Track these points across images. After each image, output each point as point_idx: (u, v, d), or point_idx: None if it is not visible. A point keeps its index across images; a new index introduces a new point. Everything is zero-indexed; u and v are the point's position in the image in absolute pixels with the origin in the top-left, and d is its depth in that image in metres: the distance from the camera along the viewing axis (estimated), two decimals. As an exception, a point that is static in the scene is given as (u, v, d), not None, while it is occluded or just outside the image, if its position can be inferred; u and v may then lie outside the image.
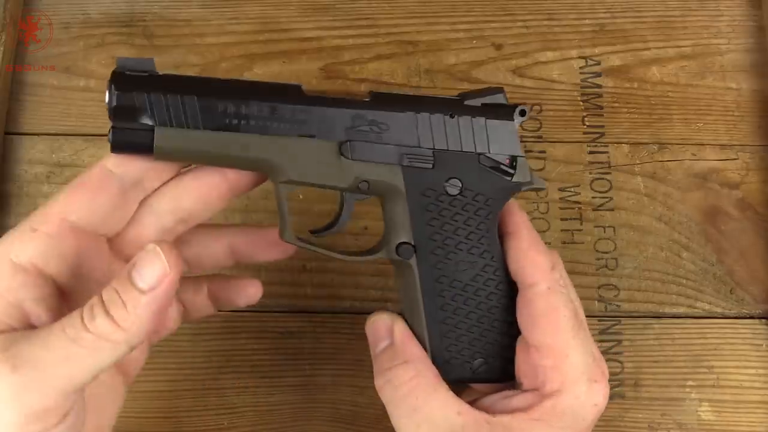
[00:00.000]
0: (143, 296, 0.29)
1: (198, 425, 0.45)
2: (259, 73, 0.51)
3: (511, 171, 0.36)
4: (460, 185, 0.36)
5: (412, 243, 0.35)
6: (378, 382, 0.34)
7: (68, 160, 0.49)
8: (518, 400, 0.34)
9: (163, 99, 0.33)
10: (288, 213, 0.35)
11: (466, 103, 0.37)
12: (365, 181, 0.35)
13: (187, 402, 0.45)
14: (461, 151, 0.36)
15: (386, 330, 0.35)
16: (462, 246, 0.35)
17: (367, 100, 0.36)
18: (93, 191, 0.33)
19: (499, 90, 0.37)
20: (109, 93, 0.32)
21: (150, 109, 0.33)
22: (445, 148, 0.36)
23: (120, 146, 0.33)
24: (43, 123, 0.50)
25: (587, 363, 0.34)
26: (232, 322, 0.46)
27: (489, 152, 0.36)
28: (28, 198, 0.49)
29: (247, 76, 0.51)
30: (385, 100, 0.36)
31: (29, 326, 0.31)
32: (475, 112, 0.36)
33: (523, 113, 0.36)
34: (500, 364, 0.36)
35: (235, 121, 0.33)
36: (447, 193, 0.36)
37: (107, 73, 0.50)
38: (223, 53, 0.51)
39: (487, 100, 0.37)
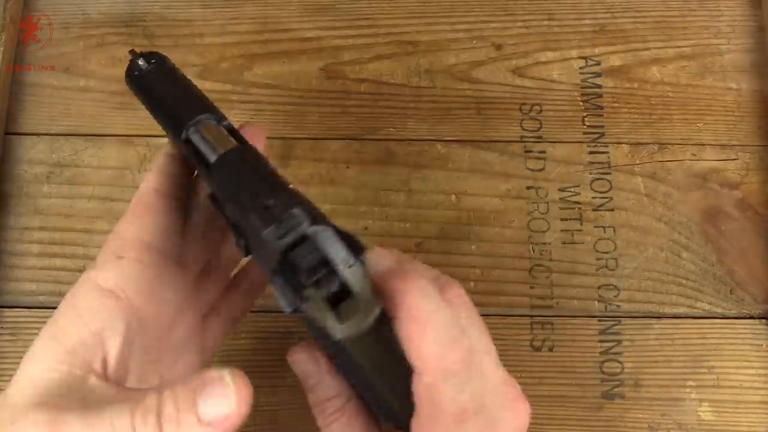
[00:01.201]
0: (200, 427, 0.28)
1: (198, 425, 0.45)
2: (259, 73, 0.51)
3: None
4: None
5: None
6: (313, 411, 0.35)
7: (68, 160, 0.49)
8: None
9: None
10: None
11: None
12: None
13: (187, 402, 0.45)
14: None
15: (315, 370, 0.35)
16: None
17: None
18: (154, 212, 0.33)
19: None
20: None
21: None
22: None
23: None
24: (43, 123, 0.50)
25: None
26: (232, 322, 0.46)
27: None
28: (28, 198, 0.49)
29: (247, 76, 0.51)
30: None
31: (100, 359, 0.30)
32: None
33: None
34: None
35: None
36: None
37: (107, 73, 0.50)
38: (223, 53, 0.51)
39: None
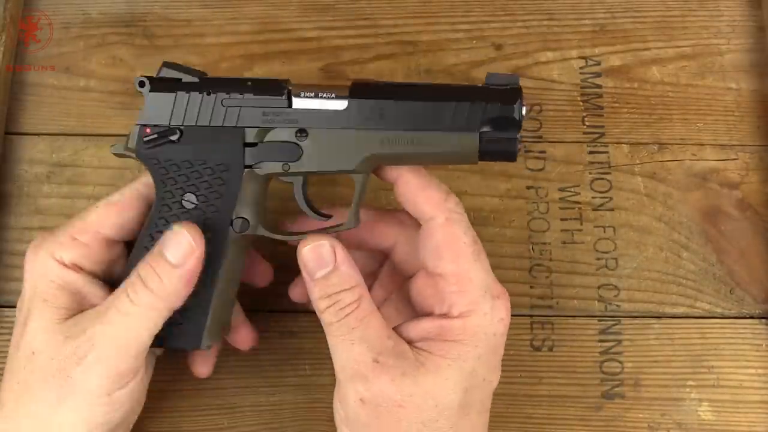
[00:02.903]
0: (175, 270, 0.36)
1: (198, 425, 0.45)
2: (259, 72, 0.51)
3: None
4: None
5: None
6: (321, 305, 0.36)
7: (68, 160, 0.49)
8: (430, 326, 0.37)
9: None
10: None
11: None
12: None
13: (187, 402, 0.45)
14: None
15: (329, 255, 0.36)
16: None
17: None
18: (123, 210, 0.39)
19: None
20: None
21: None
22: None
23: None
24: (43, 123, 0.50)
25: (488, 283, 0.37)
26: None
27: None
28: (28, 198, 0.49)
29: (247, 76, 0.51)
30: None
31: (91, 305, 0.37)
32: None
33: None
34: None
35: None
36: None
37: (107, 73, 0.50)
38: (223, 53, 0.51)
39: None
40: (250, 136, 0.38)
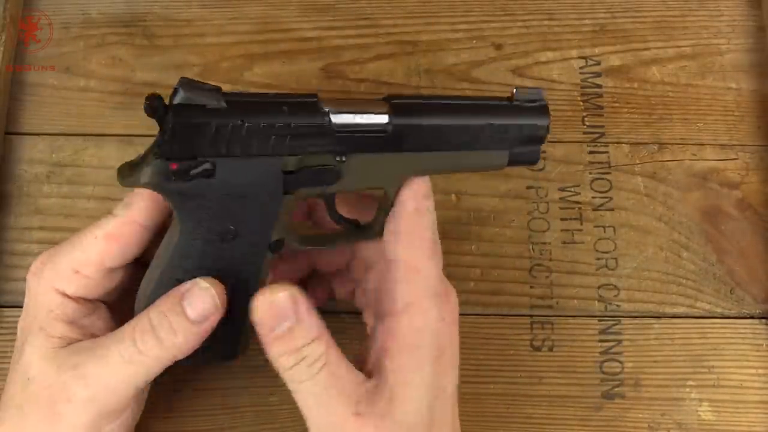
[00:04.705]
0: (193, 327, 0.34)
1: (198, 425, 0.45)
2: (259, 72, 0.51)
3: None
4: None
5: None
6: (285, 362, 0.33)
7: (68, 160, 0.49)
8: (379, 338, 0.35)
9: None
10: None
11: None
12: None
13: (187, 402, 0.45)
14: None
15: (291, 309, 0.33)
16: None
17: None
18: (126, 244, 0.37)
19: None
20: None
21: None
22: None
23: None
24: (43, 123, 0.50)
25: (434, 282, 0.36)
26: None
27: None
28: (28, 198, 0.49)
29: (247, 76, 0.51)
30: None
31: (90, 337, 0.36)
32: None
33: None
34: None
35: None
36: None
37: (107, 73, 0.50)
38: (223, 53, 0.51)
39: None
40: (288, 163, 0.35)
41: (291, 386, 0.34)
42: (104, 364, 0.34)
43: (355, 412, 0.33)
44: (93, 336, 0.36)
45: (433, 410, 0.34)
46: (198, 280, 0.35)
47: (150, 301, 0.36)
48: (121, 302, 0.39)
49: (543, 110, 0.38)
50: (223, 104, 0.34)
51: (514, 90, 0.38)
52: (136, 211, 0.37)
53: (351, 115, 0.36)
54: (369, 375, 0.35)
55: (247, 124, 0.34)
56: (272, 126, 0.34)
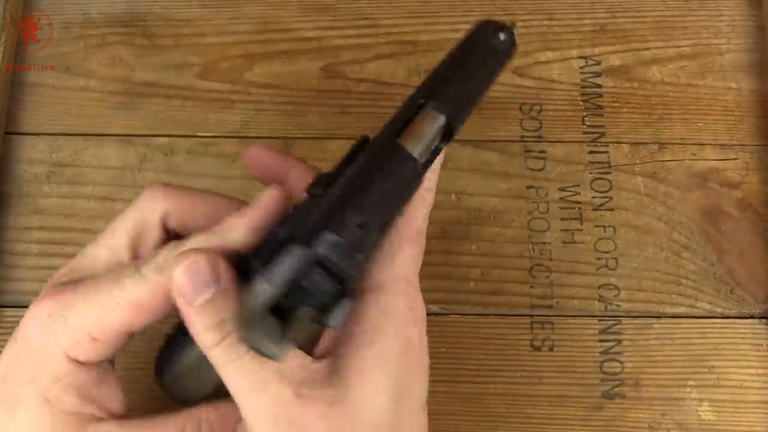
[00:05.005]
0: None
1: (198, 425, 0.45)
2: (259, 72, 0.51)
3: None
4: None
5: None
6: (210, 338, 0.28)
7: (68, 159, 0.49)
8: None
9: None
10: None
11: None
12: None
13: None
14: None
15: (210, 275, 0.28)
16: None
17: None
18: (155, 313, 0.30)
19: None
20: None
21: None
22: None
23: None
24: (43, 123, 0.50)
25: (411, 270, 0.31)
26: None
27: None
28: (28, 198, 0.49)
29: (247, 76, 0.51)
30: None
31: (106, 411, 0.31)
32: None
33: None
34: None
35: None
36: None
37: (107, 73, 0.50)
38: (223, 53, 0.51)
39: None
40: None
41: (220, 370, 0.29)
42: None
43: (297, 394, 0.28)
44: (109, 412, 0.31)
45: (400, 413, 0.29)
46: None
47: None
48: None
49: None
50: None
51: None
52: (169, 278, 0.29)
53: None
54: (316, 358, 0.30)
55: None
56: None
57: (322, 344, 0.31)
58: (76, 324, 0.30)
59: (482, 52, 0.33)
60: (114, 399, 0.32)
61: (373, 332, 0.29)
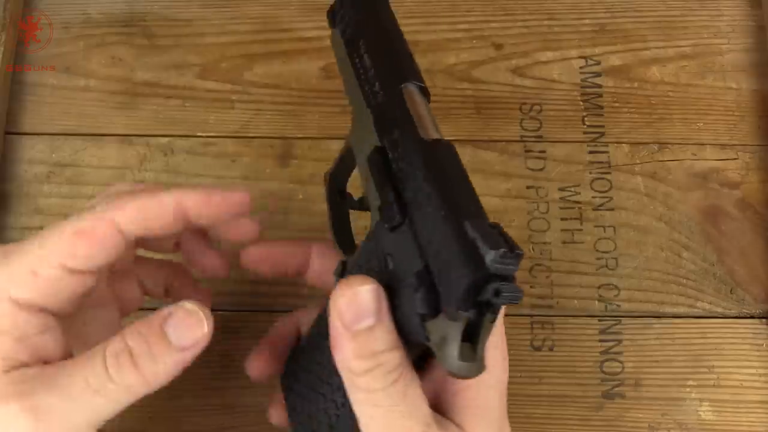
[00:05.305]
0: (177, 353, 0.30)
1: (198, 425, 0.45)
2: (259, 72, 0.51)
3: (424, 310, 0.28)
4: (392, 268, 0.31)
5: (345, 268, 0.34)
6: (359, 366, 0.29)
7: (68, 159, 0.49)
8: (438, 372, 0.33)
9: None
10: (341, 165, 0.37)
11: (466, 223, 0.29)
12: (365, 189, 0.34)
13: (187, 402, 0.45)
14: (419, 245, 0.29)
15: (375, 307, 0.29)
16: None
17: (424, 136, 0.32)
18: (97, 244, 0.31)
19: (498, 243, 0.28)
20: None
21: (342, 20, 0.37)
22: (414, 230, 0.30)
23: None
24: (43, 123, 0.50)
25: (499, 332, 0.32)
26: (232, 322, 0.46)
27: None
28: (28, 198, 0.49)
29: (247, 76, 0.51)
30: (432, 151, 0.31)
31: (40, 359, 0.30)
32: (460, 236, 0.28)
33: (496, 293, 0.27)
34: None
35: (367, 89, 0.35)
36: (385, 262, 0.31)
37: (107, 72, 0.50)
38: (223, 53, 0.51)
39: (480, 242, 0.28)
40: None
41: (355, 395, 0.29)
42: (63, 394, 0.29)
43: None
44: (43, 360, 0.30)
45: None
46: (184, 302, 0.30)
47: None
48: (75, 321, 0.34)
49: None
50: None
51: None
52: (121, 213, 0.31)
53: None
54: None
55: None
56: None
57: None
58: (16, 260, 0.30)
59: None
60: (55, 350, 0.31)
61: (482, 411, 0.31)
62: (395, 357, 0.29)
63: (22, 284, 0.30)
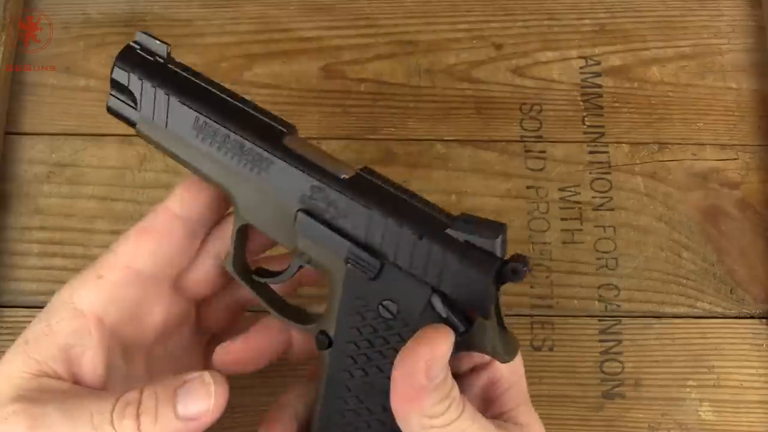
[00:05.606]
0: (178, 422, 0.30)
1: (198, 425, 0.45)
2: (259, 72, 0.51)
3: (462, 327, 0.30)
4: (395, 310, 0.31)
5: (330, 337, 0.33)
6: (441, 408, 0.29)
7: (68, 159, 0.49)
8: (479, 383, 0.35)
9: (152, 92, 0.33)
10: (239, 246, 0.34)
11: (449, 231, 0.30)
12: (308, 255, 0.33)
13: (187, 402, 0.45)
14: (413, 276, 0.30)
15: (446, 361, 0.29)
16: (377, 365, 0.32)
17: (344, 176, 0.32)
18: (159, 238, 0.33)
19: (498, 230, 0.29)
20: (113, 63, 0.34)
21: (139, 97, 0.34)
22: (398, 265, 0.30)
23: (112, 113, 0.35)
24: (43, 123, 0.50)
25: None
26: (232, 322, 0.46)
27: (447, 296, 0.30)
28: (28, 198, 0.49)
29: (247, 76, 0.51)
30: (363, 186, 0.32)
31: (71, 376, 0.31)
32: (451, 246, 0.30)
33: (515, 273, 0.29)
34: None
35: (208, 139, 0.33)
36: (378, 312, 0.31)
37: (107, 73, 0.50)
38: (223, 53, 0.51)
39: (476, 238, 0.29)
40: None
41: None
42: (66, 416, 0.29)
43: None
44: (73, 376, 0.32)
45: None
46: (205, 373, 0.31)
47: None
48: (155, 346, 0.35)
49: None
50: None
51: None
52: (174, 200, 0.33)
53: None
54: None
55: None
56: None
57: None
58: (89, 267, 0.33)
59: None
60: (86, 372, 0.32)
61: (521, 389, 0.35)
62: (455, 384, 0.30)
63: (86, 287, 0.32)
